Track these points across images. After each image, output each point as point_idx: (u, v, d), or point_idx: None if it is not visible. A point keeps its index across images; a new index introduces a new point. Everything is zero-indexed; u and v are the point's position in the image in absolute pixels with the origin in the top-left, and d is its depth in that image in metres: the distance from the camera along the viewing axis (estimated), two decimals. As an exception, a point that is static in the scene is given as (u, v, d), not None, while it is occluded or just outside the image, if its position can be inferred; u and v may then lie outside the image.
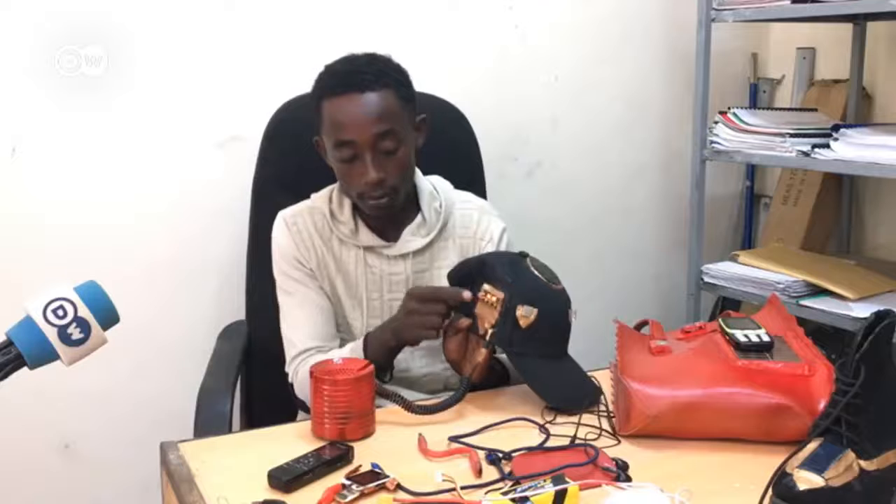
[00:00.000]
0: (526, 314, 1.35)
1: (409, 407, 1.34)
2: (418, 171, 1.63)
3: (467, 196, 1.71)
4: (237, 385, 1.74)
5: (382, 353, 1.47)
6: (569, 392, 1.36)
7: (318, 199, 1.63)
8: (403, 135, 1.52)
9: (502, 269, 1.39)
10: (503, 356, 1.47)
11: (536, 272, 1.41)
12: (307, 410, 1.42)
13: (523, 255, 1.45)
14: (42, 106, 1.87)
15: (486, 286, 1.38)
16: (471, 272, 1.43)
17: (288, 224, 1.61)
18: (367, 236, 1.59)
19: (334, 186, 1.62)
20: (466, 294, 1.39)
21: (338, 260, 1.61)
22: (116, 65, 1.89)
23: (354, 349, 1.50)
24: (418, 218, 1.61)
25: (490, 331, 1.37)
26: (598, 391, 1.38)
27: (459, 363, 1.43)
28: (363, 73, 1.50)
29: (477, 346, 1.40)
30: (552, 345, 1.40)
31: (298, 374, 1.55)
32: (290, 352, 1.59)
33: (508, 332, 1.36)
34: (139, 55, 1.92)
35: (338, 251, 1.61)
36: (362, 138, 1.48)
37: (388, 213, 1.56)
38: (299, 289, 1.59)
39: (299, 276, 1.59)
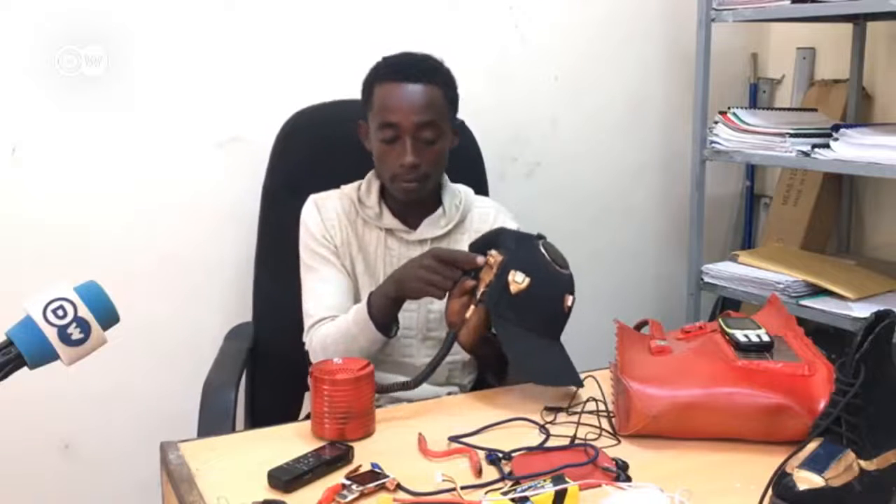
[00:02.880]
0: (518, 280, 1.38)
1: (404, 385, 1.38)
2: (445, 174, 1.72)
3: (487, 199, 1.83)
4: (242, 385, 1.75)
5: (384, 304, 1.52)
6: (539, 366, 1.39)
7: (348, 187, 1.72)
8: (443, 130, 1.63)
9: (510, 238, 1.46)
10: None
11: (544, 251, 1.45)
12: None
13: (539, 237, 1.48)
14: (42, 106, 1.87)
15: (491, 251, 1.42)
16: (487, 241, 1.49)
17: (318, 204, 1.70)
18: (390, 220, 1.68)
19: (363, 180, 1.71)
20: (480, 259, 1.43)
21: (360, 240, 1.68)
22: (116, 65, 1.90)
23: (359, 308, 1.54)
24: (439, 210, 1.69)
25: (482, 289, 1.41)
26: (578, 381, 1.39)
27: (458, 327, 1.45)
28: (418, 66, 1.63)
29: (470, 304, 1.43)
30: (541, 321, 1.42)
31: (313, 341, 1.60)
32: (307, 322, 1.64)
33: (498, 294, 1.40)
34: (139, 55, 1.92)
35: (361, 232, 1.68)
36: (405, 123, 1.58)
37: (415, 199, 1.65)
38: (322, 265, 1.66)
39: (324, 252, 1.66)
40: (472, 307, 1.42)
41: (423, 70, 1.62)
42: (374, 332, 1.51)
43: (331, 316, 1.61)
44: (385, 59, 1.67)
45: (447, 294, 1.46)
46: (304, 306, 1.66)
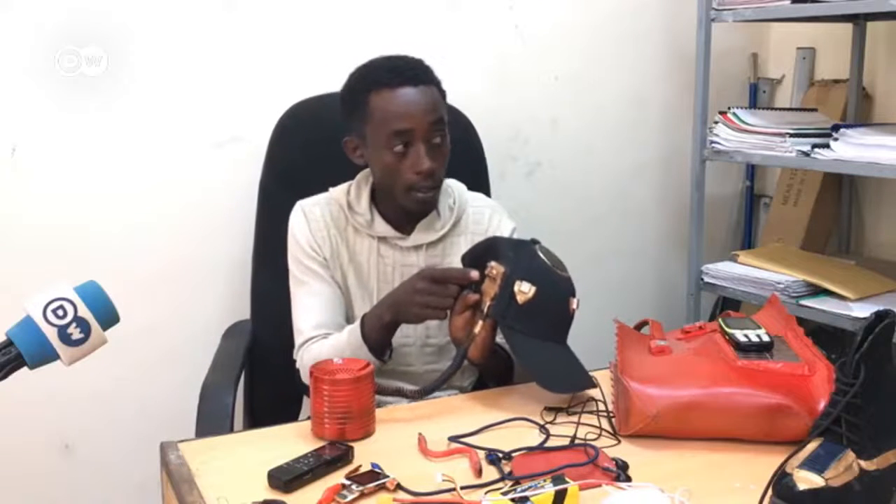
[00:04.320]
0: (525, 290, 1.37)
1: (406, 394, 1.37)
2: None
3: (480, 196, 1.77)
4: (240, 384, 1.74)
5: (378, 329, 1.49)
6: (557, 374, 1.38)
7: (336, 191, 1.67)
8: (447, 129, 1.58)
9: (508, 247, 1.44)
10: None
11: (543, 256, 1.44)
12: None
13: (533, 242, 1.47)
14: (42, 106, 1.87)
15: (491, 262, 1.41)
16: (481, 252, 1.47)
17: (305, 212, 1.64)
18: (382, 227, 1.63)
19: (352, 182, 1.66)
20: (474, 274, 1.42)
21: (351, 250, 1.64)
22: (116, 65, 1.90)
23: (353, 330, 1.51)
24: (433, 213, 1.64)
25: (489, 303, 1.39)
26: (592, 383, 1.39)
27: (463, 342, 1.44)
28: (413, 69, 1.57)
29: (477, 319, 1.41)
30: (549, 327, 1.42)
31: (304, 360, 1.57)
32: (297, 339, 1.61)
33: (505, 305, 1.38)
34: (139, 55, 1.92)
35: (352, 241, 1.64)
36: (420, 127, 1.52)
37: (429, 210, 1.61)
38: (311, 278, 1.62)
39: (312, 264, 1.62)
40: (480, 322, 1.40)
41: (417, 70, 1.57)
42: (368, 356, 1.47)
43: (321, 333, 1.58)
44: (368, 66, 1.60)
45: (449, 311, 1.44)
46: (294, 321, 1.62)
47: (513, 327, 1.39)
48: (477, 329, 1.40)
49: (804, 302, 2.05)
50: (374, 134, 1.55)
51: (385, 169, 1.56)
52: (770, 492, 1.01)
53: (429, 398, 1.46)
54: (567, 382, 1.39)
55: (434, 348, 1.64)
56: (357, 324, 1.51)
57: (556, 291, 1.43)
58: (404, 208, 1.60)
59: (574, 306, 1.44)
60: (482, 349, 1.42)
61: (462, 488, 1.08)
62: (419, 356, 1.64)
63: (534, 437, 1.26)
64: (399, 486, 1.09)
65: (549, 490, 1.01)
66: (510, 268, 1.39)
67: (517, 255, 1.42)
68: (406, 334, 1.61)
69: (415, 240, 1.63)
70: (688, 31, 2.34)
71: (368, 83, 1.56)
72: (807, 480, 0.99)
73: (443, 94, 1.61)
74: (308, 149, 1.88)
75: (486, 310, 1.39)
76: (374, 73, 1.58)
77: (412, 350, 1.63)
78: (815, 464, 1.01)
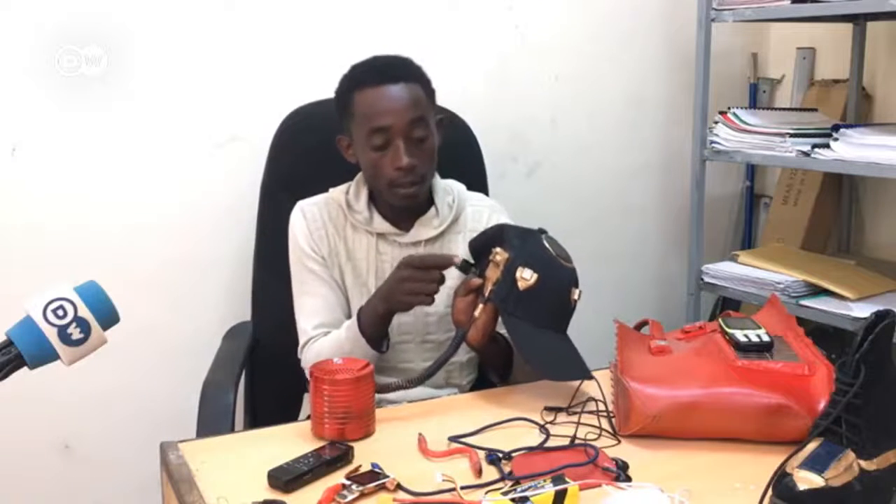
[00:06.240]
0: (526, 277, 1.38)
1: (406, 383, 1.38)
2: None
3: (480, 196, 1.79)
4: (241, 385, 1.74)
5: (374, 321, 1.51)
6: (553, 362, 1.40)
7: (336, 191, 1.69)
8: (431, 126, 1.60)
9: (514, 234, 1.45)
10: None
11: (548, 245, 1.45)
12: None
13: (541, 231, 1.48)
14: (42, 106, 1.87)
15: (496, 248, 1.42)
16: (489, 238, 1.48)
17: (304, 212, 1.66)
18: (380, 223, 1.64)
19: (351, 182, 1.68)
20: (456, 258, 1.44)
21: (349, 248, 1.65)
22: (116, 65, 1.90)
23: (350, 325, 1.54)
24: (431, 210, 1.66)
25: (491, 287, 1.41)
26: (589, 374, 1.39)
27: (464, 325, 1.44)
28: (394, 66, 1.60)
29: (478, 302, 1.43)
30: (549, 315, 1.42)
31: (307, 358, 1.59)
32: (301, 339, 1.63)
33: (506, 291, 1.40)
34: (139, 55, 1.92)
35: (350, 239, 1.65)
36: (397, 124, 1.54)
37: (413, 205, 1.62)
38: (311, 279, 1.64)
39: (312, 264, 1.64)
40: (481, 306, 1.41)
41: (399, 69, 1.60)
42: (366, 348, 1.50)
43: (322, 332, 1.60)
44: (355, 66, 1.63)
45: (453, 293, 1.45)
46: (297, 321, 1.64)
47: (513, 313, 1.40)
48: (477, 312, 1.41)
49: (804, 302, 2.05)
50: (357, 132, 1.59)
51: (368, 166, 1.59)
52: (770, 492, 1.01)
53: (429, 398, 1.46)
54: (563, 371, 1.40)
55: (433, 344, 1.65)
56: (353, 319, 1.53)
57: (558, 281, 1.43)
58: (390, 204, 1.62)
59: (576, 297, 1.44)
60: (481, 332, 1.44)
61: (462, 488, 1.08)
62: (418, 352, 1.65)
63: (534, 437, 1.26)
64: (399, 486, 1.09)
65: (549, 490, 1.01)
66: (514, 254, 1.40)
67: (523, 242, 1.43)
68: (406, 331, 1.62)
69: (413, 236, 1.64)
70: (688, 31, 2.34)
71: (353, 83, 1.60)
72: (807, 480, 0.99)
73: (429, 92, 1.62)
74: (310, 153, 1.88)
75: (487, 294, 1.41)
76: (359, 72, 1.61)
77: (411, 346, 1.64)
78: (815, 464, 1.01)
